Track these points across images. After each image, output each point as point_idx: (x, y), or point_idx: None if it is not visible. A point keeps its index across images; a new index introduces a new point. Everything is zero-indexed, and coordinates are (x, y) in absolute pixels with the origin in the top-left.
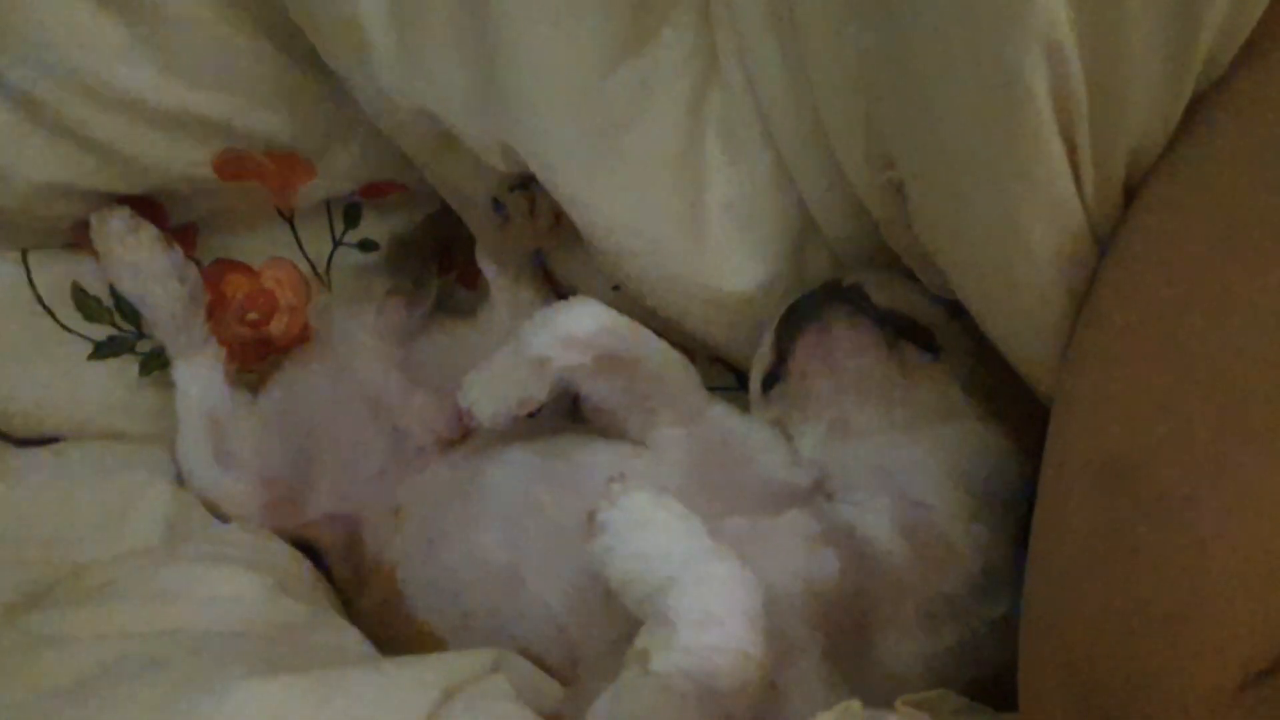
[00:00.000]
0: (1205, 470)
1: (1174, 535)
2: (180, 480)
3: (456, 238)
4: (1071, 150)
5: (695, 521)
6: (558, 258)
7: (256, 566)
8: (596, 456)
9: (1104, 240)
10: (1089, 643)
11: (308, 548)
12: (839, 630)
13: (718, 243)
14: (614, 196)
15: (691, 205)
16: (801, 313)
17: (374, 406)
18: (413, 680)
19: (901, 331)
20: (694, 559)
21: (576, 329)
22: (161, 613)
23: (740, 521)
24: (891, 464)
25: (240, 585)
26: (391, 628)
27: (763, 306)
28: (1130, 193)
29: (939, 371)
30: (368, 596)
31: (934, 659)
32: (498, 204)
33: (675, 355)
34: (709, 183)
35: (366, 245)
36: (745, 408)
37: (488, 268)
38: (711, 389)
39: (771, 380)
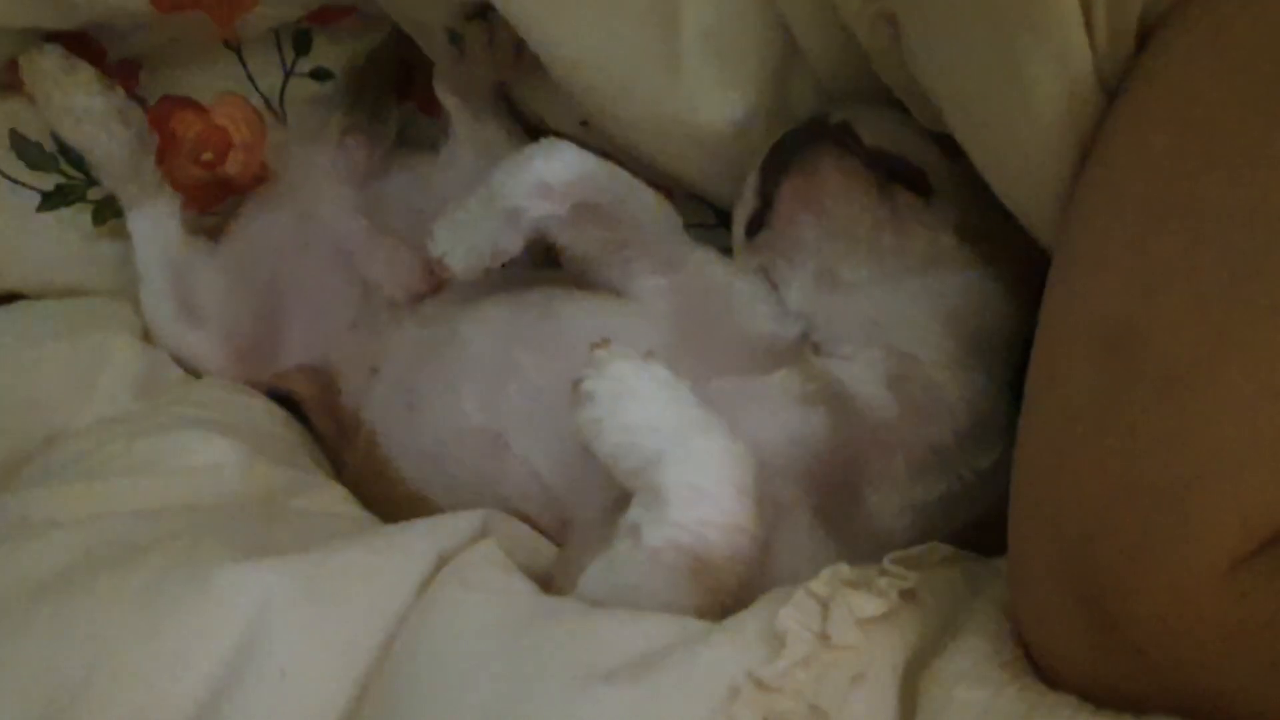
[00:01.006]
0: (1214, 341)
1: (1177, 408)
2: (146, 332)
3: (414, 62)
4: (1086, 6)
5: (683, 389)
6: (522, 89)
7: (233, 430)
8: (576, 313)
9: (1112, 87)
10: (1082, 515)
11: (286, 400)
12: (828, 488)
13: (695, 75)
14: (580, 27)
15: (665, 34)
16: (787, 153)
17: (340, 254)
18: (401, 553)
19: (893, 173)
20: (683, 431)
21: (551, 177)
22: (140, 488)
23: (728, 382)
24: (880, 314)
25: (217, 452)
26: (379, 488)
27: (744, 142)
28: (1143, 37)
29: (932, 215)
30: (353, 455)
31: (922, 510)
32: (454, 35)
33: (656, 200)
34: (684, 8)
35: (320, 74)
36: (725, 246)
37: (448, 101)
38: (690, 226)
39: (756, 226)
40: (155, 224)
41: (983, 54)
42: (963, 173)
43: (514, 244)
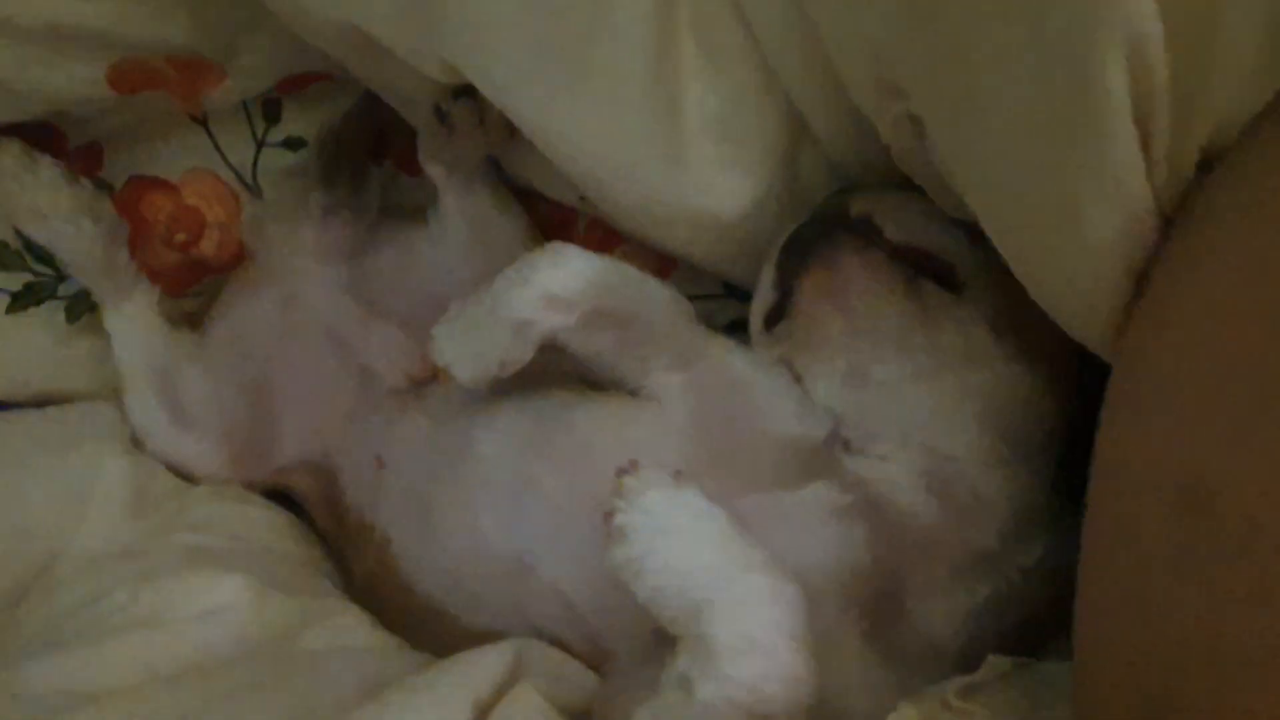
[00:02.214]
0: None
1: (1260, 567)
2: (135, 439)
3: (390, 119)
4: (1145, 139)
5: (721, 519)
6: (514, 160)
7: (237, 558)
8: (594, 423)
9: (1169, 214)
10: (1162, 671)
11: (285, 497)
12: (872, 605)
13: (700, 160)
14: (579, 118)
15: (668, 120)
16: (804, 245)
17: (332, 339)
18: (435, 706)
19: (919, 267)
20: (728, 573)
21: (559, 288)
22: (153, 644)
23: (760, 498)
24: (916, 413)
25: (224, 592)
26: (393, 599)
27: (755, 226)
28: (1205, 166)
29: (963, 310)
30: (360, 563)
31: (969, 615)
32: (441, 112)
33: (670, 295)
34: (686, 93)
35: (293, 143)
36: (734, 318)
37: (434, 172)
38: (696, 298)
39: (775, 317)
40: (134, 323)
41: (1031, 185)
42: (992, 263)
43: (523, 354)
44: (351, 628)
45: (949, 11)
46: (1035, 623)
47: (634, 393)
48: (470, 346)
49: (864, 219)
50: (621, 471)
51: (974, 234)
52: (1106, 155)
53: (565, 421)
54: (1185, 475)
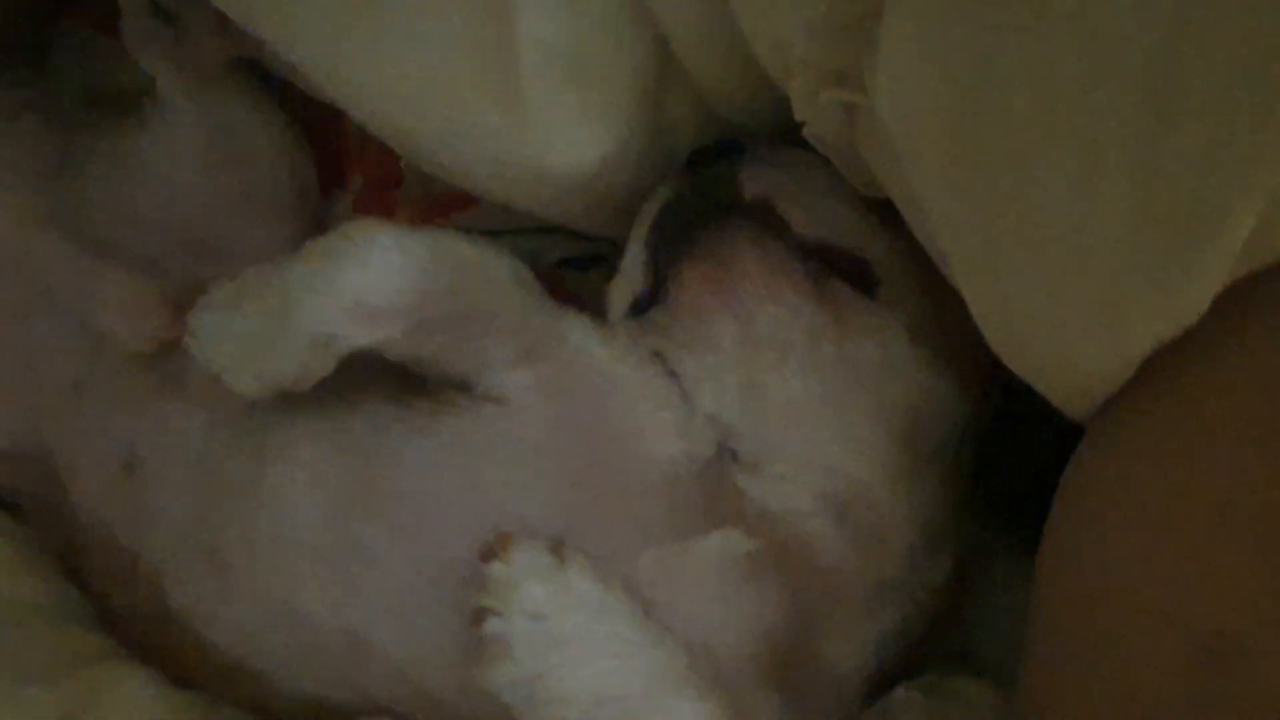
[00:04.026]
0: None
1: None
2: None
3: None
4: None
5: (622, 616)
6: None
7: None
8: (430, 462)
9: None
10: None
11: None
12: (785, 663)
13: (543, 108)
14: (383, 62)
15: (497, 58)
16: (686, 228)
17: (38, 288)
18: None
19: (828, 263)
20: (643, 699)
21: (374, 296)
22: None
23: (657, 557)
24: (819, 434)
25: None
26: (180, 651)
27: (611, 180)
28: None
29: (878, 316)
30: (121, 596)
31: (877, 644)
32: (163, 10)
33: (512, 273)
34: (519, 22)
35: None
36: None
37: (154, 68)
38: (515, 233)
39: (645, 303)
40: None
41: (1075, 278)
42: (907, 252)
43: (322, 370)
44: (135, 704)
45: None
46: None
47: (469, 390)
48: (249, 355)
49: (763, 204)
50: (487, 554)
51: (886, 216)
52: (1194, 283)
53: (392, 461)
54: (1209, 627)
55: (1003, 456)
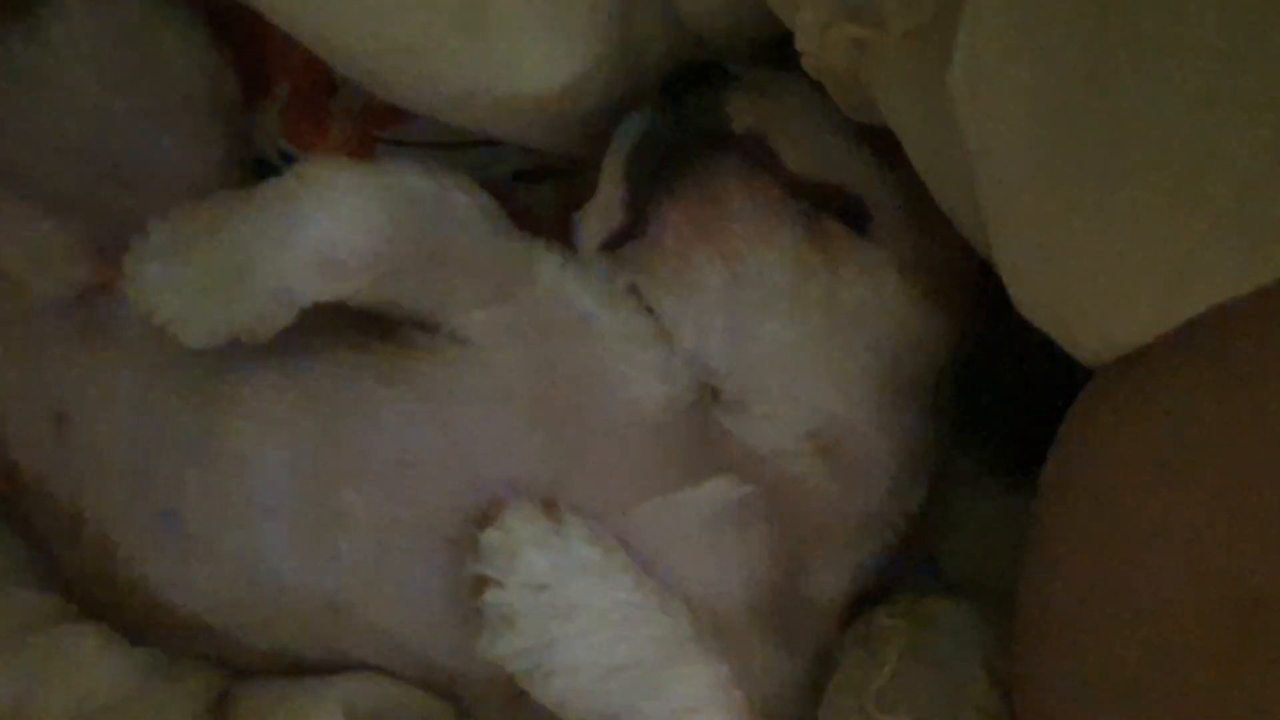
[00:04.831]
0: None
1: None
2: None
3: None
4: None
5: (627, 579)
6: None
7: None
8: (406, 415)
9: None
10: None
11: None
12: (775, 607)
13: (504, 26)
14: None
15: None
16: (669, 161)
17: None
18: None
19: (819, 201)
20: (653, 668)
21: (340, 249)
22: None
23: (650, 510)
24: (806, 374)
25: None
26: (132, 611)
27: (577, 102)
28: None
29: (871, 255)
30: (71, 558)
31: (856, 574)
32: None
33: (478, 208)
34: None
35: None
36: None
37: None
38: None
39: (621, 237)
40: None
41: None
42: (899, 183)
43: (283, 319)
44: (92, 668)
45: None
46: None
47: (435, 331)
48: (200, 306)
49: (754, 138)
50: (483, 520)
51: (878, 147)
52: None
53: (361, 415)
54: (1247, 585)
55: (980, 380)
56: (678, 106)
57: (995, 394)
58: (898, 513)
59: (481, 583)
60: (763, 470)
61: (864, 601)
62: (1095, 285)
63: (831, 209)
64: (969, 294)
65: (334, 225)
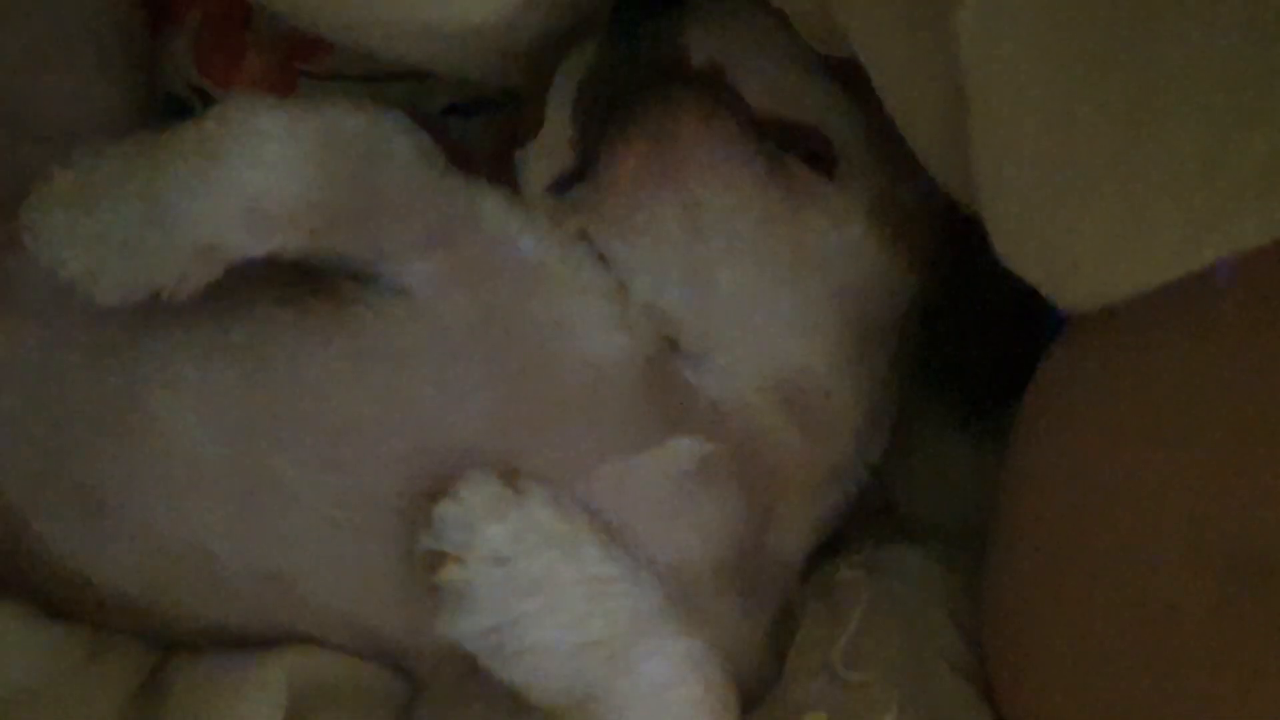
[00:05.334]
0: None
1: None
2: None
3: None
4: None
5: (591, 548)
6: None
7: None
8: (338, 376)
9: None
10: None
11: None
12: (741, 567)
13: None
14: None
15: None
16: (620, 94)
17: None
18: None
19: (783, 140)
20: (621, 644)
21: (270, 200)
22: None
23: (611, 472)
24: (768, 323)
25: None
26: (53, 585)
27: (516, 31)
28: None
29: (838, 200)
30: None
31: (818, 526)
32: None
33: (416, 148)
34: None
35: None
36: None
37: None
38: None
39: (570, 179)
40: None
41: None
42: (866, 122)
43: (206, 276)
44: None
45: None
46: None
47: (373, 284)
48: (112, 260)
49: (713, 72)
50: (434, 489)
51: (843, 82)
52: None
53: (293, 378)
54: (1238, 543)
55: (942, 324)
56: (629, 37)
57: (957, 338)
58: (861, 463)
59: (436, 557)
60: (728, 426)
61: (819, 550)
62: (1102, 231)
63: (796, 149)
64: (934, 238)
65: (261, 173)
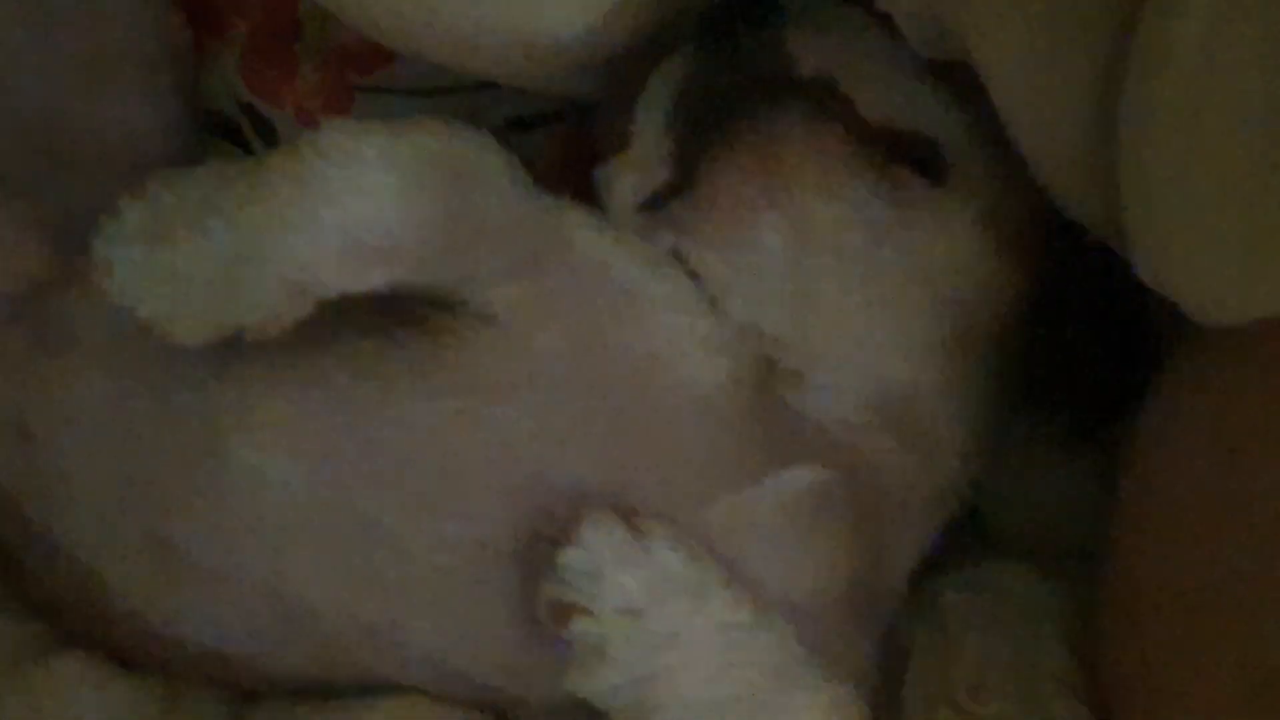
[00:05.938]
0: None
1: None
2: None
3: None
4: None
5: (723, 595)
6: None
7: None
8: (440, 415)
9: None
10: None
11: None
12: (864, 597)
13: None
14: None
15: None
16: (721, 106)
17: None
18: None
19: (893, 149)
20: (771, 696)
21: (374, 234)
22: None
23: (726, 507)
24: (871, 338)
25: None
26: (128, 641)
27: (602, 43)
28: None
29: (948, 209)
30: (41, 581)
31: (921, 547)
32: None
33: (509, 173)
34: None
35: None
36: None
37: None
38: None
39: (664, 195)
40: None
41: None
42: (975, 126)
43: (297, 313)
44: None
45: None
46: None
47: (456, 310)
48: (194, 296)
49: (824, 82)
50: (551, 532)
51: (959, 91)
52: None
53: (390, 416)
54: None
55: (1047, 338)
56: (730, 47)
57: (1062, 352)
58: (964, 481)
59: (563, 609)
60: (836, 451)
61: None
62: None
63: (906, 158)
64: (1040, 247)
65: (364, 206)
